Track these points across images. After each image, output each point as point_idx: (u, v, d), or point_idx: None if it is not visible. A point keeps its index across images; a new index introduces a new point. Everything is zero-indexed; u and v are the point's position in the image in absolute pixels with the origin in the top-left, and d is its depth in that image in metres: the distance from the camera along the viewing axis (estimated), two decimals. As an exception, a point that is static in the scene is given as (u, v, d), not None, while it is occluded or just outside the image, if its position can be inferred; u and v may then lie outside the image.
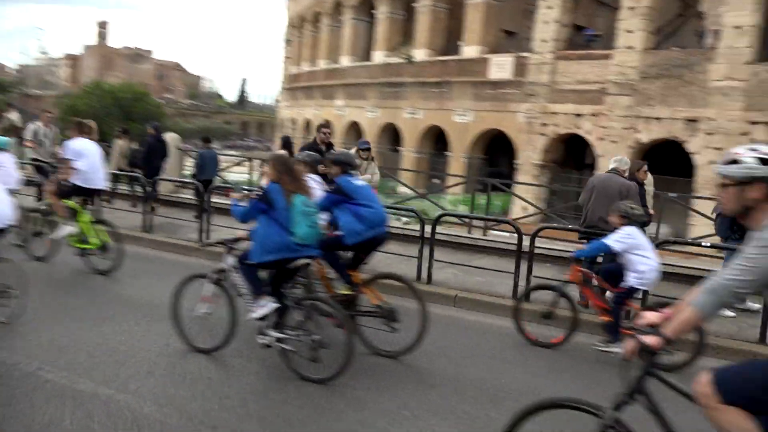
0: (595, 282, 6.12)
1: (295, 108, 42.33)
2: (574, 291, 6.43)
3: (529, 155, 24.76)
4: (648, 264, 5.62)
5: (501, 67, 25.55)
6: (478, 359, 5.72)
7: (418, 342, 5.29)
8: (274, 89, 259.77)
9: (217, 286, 5.12)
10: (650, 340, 2.58)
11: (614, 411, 2.71)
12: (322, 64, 37.62)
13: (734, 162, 2.54)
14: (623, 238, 5.66)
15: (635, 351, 2.61)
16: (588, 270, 6.27)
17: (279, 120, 47.69)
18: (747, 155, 2.51)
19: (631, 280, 5.68)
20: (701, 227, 14.30)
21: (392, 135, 31.97)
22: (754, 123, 19.59)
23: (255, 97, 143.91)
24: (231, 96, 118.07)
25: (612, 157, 7.38)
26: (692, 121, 20.69)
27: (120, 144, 13.40)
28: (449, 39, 29.53)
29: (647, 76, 21.49)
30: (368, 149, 9.04)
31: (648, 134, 21.70)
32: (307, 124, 39.47)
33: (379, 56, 32.07)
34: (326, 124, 9.35)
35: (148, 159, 12.24)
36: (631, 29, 21.81)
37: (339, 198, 5.53)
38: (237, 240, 5.27)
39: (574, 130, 23.53)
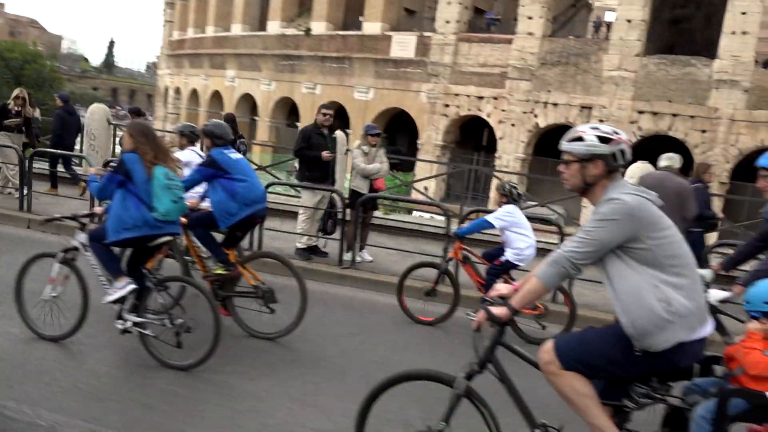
0: (475, 259, 6.19)
1: (179, 76, 39.75)
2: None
3: (431, 135, 24.93)
4: (526, 241, 5.72)
5: (403, 45, 25.38)
6: (359, 337, 5.57)
7: (297, 322, 5.06)
8: (147, 54, 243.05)
9: (66, 266, 4.57)
10: (497, 311, 2.66)
11: (466, 380, 2.76)
12: (211, 31, 35.51)
13: (578, 139, 2.62)
14: (503, 216, 5.71)
15: (485, 321, 2.69)
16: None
17: (161, 88, 44.62)
18: (589, 133, 2.60)
19: (509, 255, 5.75)
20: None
21: (289, 110, 30.93)
22: (641, 112, 20.96)
23: (123, 61, 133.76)
24: (96, 59, 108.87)
25: (663, 155, 7.02)
26: (587, 108, 21.75)
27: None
28: (349, 13, 28.89)
29: (546, 63, 22.26)
30: (378, 135, 8.03)
31: (545, 119, 22.56)
32: (195, 94, 37.24)
33: (274, 26, 30.73)
34: (329, 105, 8.00)
35: (60, 135, 10.47)
36: (532, 16, 22.42)
37: (212, 172, 5.05)
38: (91, 215, 4.77)
39: (476, 113, 23.96)
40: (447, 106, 24.48)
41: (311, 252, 7.81)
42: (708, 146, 20.15)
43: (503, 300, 2.73)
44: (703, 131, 20.18)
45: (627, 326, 2.50)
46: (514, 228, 5.71)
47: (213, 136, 5.24)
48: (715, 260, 5.34)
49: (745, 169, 20.00)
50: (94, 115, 10.65)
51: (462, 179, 23.20)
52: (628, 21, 20.88)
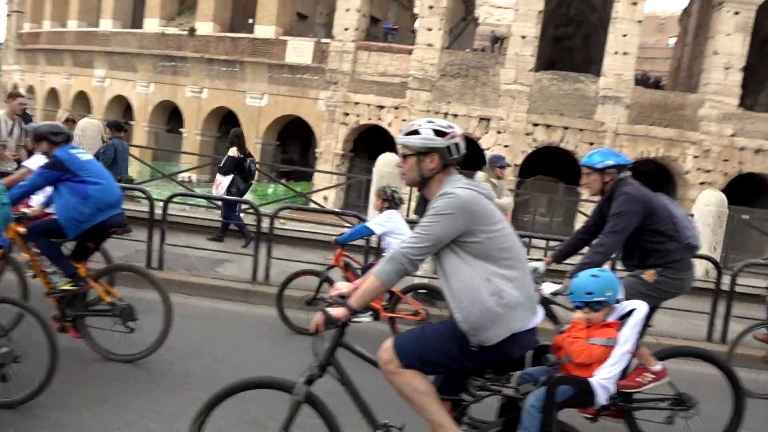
0: (356, 265, 6.21)
1: (32, 74, 35.72)
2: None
3: (330, 144, 24.48)
4: None
5: (300, 51, 24.69)
6: (236, 354, 5.11)
7: (161, 341, 4.62)
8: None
9: None
10: (335, 312, 2.62)
11: (305, 386, 2.71)
12: (74, 25, 32.25)
13: (414, 133, 2.65)
14: (384, 221, 5.62)
15: (322, 323, 2.62)
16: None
17: (5, 85, 39.76)
18: (425, 126, 2.64)
19: None
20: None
21: (169, 114, 28.91)
22: (535, 124, 22.08)
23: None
24: None
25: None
26: (485, 119, 22.50)
27: None
28: (236, 14, 27.65)
29: (446, 74, 22.72)
30: (505, 166, 7.39)
31: (446, 129, 23.00)
32: (54, 94, 33.64)
33: (152, 24, 28.57)
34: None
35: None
36: (431, 27, 22.79)
37: (57, 174, 4.47)
38: None
39: (376, 122, 23.89)
40: (347, 114, 24.16)
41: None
42: (595, 157, 21.66)
43: (343, 300, 2.69)
44: (591, 143, 21.63)
45: (461, 322, 2.53)
46: (395, 234, 5.52)
47: (48, 137, 4.58)
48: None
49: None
50: (86, 132, 9.08)
51: (361, 188, 23.03)
52: (523, 37, 21.91)
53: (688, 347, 4.63)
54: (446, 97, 22.78)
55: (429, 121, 2.67)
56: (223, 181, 8.83)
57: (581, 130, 21.71)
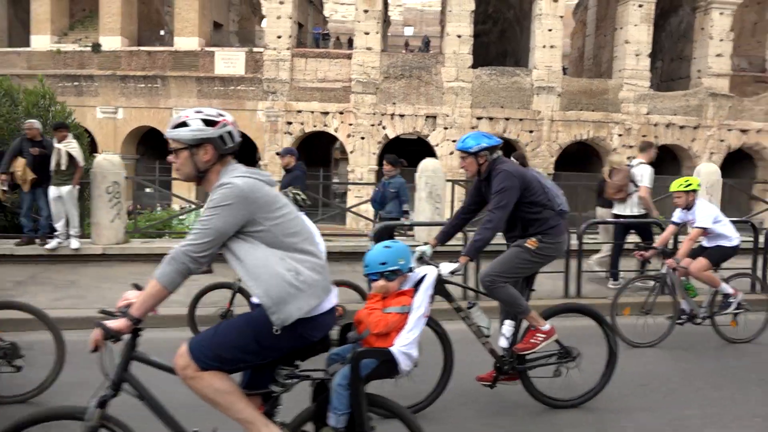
0: None
1: None
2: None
3: (274, 155, 23.87)
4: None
5: (230, 62, 23.77)
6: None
7: (53, 378, 4.37)
8: None
9: None
10: (115, 324, 2.40)
11: (99, 408, 2.47)
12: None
13: (182, 125, 2.51)
14: None
15: (101, 338, 2.38)
16: None
17: None
18: (193, 117, 2.52)
19: None
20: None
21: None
22: (479, 118, 23.33)
23: None
24: None
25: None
26: (431, 117, 23.32)
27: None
28: (144, 27, 25.81)
29: (389, 77, 23.17)
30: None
31: (394, 130, 23.49)
32: None
33: (42, 41, 25.68)
34: None
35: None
36: (368, 31, 23.08)
37: None
38: None
39: (322, 128, 23.72)
40: (290, 123, 23.72)
41: None
42: (536, 144, 23.44)
43: (125, 310, 2.46)
44: (531, 131, 23.39)
45: (262, 297, 2.45)
46: None
47: None
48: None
49: (564, 159, 23.83)
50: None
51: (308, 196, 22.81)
52: (459, 36, 22.98)
53: (570, 304, 5.12)
54: (391, 99, 23.25)
55: (197, 111, 2.53)
56: None
57: (521, 120, 23.32)
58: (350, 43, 30.65)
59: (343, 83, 23.26)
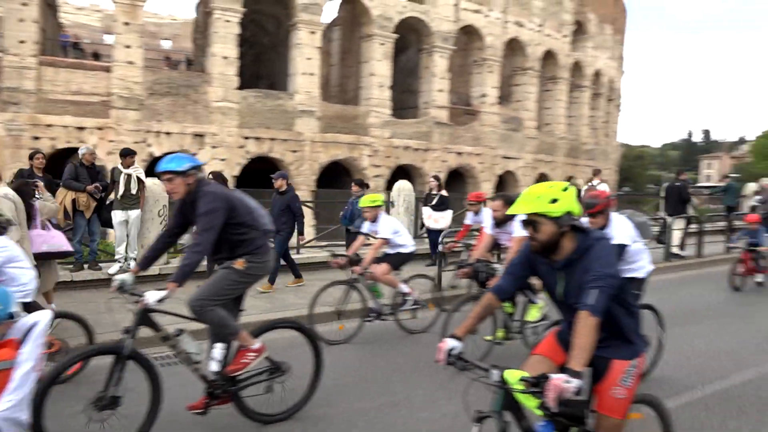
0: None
1: None
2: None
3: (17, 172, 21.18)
4: (29, 274, 4.73)
5: (-44, 65, 20.42)
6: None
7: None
8: None
9: None
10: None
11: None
12: None
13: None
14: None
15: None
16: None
17: None
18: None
19: (16, 294, 4.23)
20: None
21: None
22: (246, 138, 24.16)
23: None
24: None
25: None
26: (199, 135, 23.36)
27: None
28: None
29: (155, 93, 22.55)
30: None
31: (160, 148, 22.84)
32: None
33: None
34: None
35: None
36: (130, 45, 22.17)
37: None
38: None
39: (77, 144, 21.81)
40: (37, 138, 21.30)
41: None
42: (299, 163, 25.19)
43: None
44: (294, 151, 25.06)
45: None
46: (14, 263, 4.60)
47: None
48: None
49: (324, 178, 26.06)
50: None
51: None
52: (225, 57, 23.53)
53: (277, 320, 5.05)
54: (157, 116, 22.64)
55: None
56: None
57: (285, 140, 24.83)
58: (95, 56, 28.67)
59: (101, 97, 21.87)
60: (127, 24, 22.07)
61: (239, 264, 4.16)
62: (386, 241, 6.95)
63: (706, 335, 7.37)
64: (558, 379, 2.42)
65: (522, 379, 2.59)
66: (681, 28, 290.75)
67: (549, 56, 34.16)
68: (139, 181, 9.12)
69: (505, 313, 6.28)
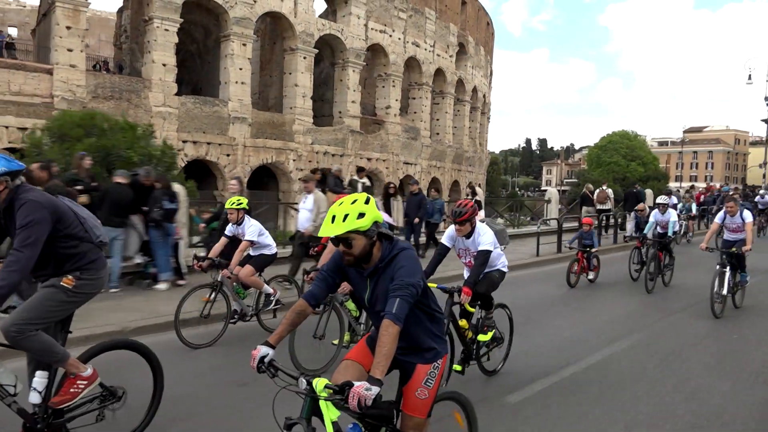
0: None
1: None
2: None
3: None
4: None
5: None
6: None
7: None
8: None
9: None
10: None
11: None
12: None
13: None
14: None
15: None
16: None
17: None
18: None
19: None
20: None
21: None
22: (185, 141, 25.42)
23: None
24: None
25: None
26: (140, 138, 24.23)
27: None
28: None
29: (98, 96, 23.16)
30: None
31: (102, 149, 23.45)
32: None
33: None
34: None
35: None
36: (72, 48, 22.64)
37: None
38: None
39: (21, 145, 21.87)
40: (-23, 138, 21.15)
41: None
42: (233, 166, 26.85)
43: None
44: (228, 155, 26.70)
45: None
46: None
47: None
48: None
49: (254, 179, 27.92)
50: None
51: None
52: (164, 65, 24.66)
53: (110, 341, 4.45)
54: (99, 119, 23.23)
55: None
56: None
57: (220, 144, 26.38)
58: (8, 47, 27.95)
59: (44, 99, 22.14)
60: (69, 28, 22.52)
61: (68, 282, 3.70)
62: (252, 243, 7.00)
63: (550, 327, 8.08)
64: (359, 386, 2.54)
65: (327, 387, 2.69)
66: (514, 46, 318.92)
67: (439, 73, 38.48)
68: None
69: (352, 316, 6.30)
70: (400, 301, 2.78)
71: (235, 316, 7.03)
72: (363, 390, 2.53)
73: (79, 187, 8.97)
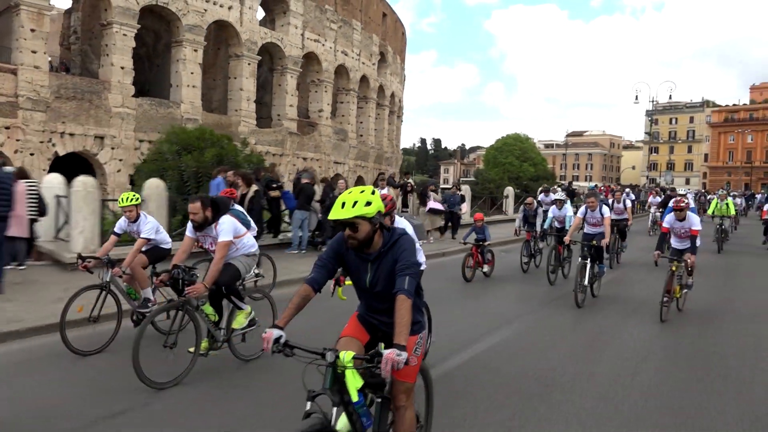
0: None
1: None
2: None
3: None
4: None
5: None
6: None
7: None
8: None
9: None
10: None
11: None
12: None
13: None
14: None
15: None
16: None
17: None
18: None
19: None
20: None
21: None
22: (141, 141, 26.85)
23: None
24: None
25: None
26: (100, 137, 25.51)
27: None
28: None
29: (61, 96, 24.21)
30: None
31: (64, 147, 24.53)
32: None
33: None
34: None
35: None
36: (36, 50, 23.56)
37: None
38: None
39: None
40: (-57, 135, 21.68)
41: None
42: (185, 164, 28.50)
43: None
44: (180, 154, 28.32)
45: None
46: None
47: None
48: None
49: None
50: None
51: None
52: (122, 68, 25.99)
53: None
54: (62, 118, 24.28)
55: None
56: None
57: (173, 144, 27.97)
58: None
59: (7, 98, 22.95)
60: (33, 30, 23.44)
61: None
62: (148, 241, 6.74)
63: (450, 317, 8.31)
64: (391, 352, 2.79)
65: (355, 358, 2.94)
66: (413, 48, 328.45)
67: (363, 80, 41.63)
68: None
69: (210, 321, 5.89)
70: (410, 279, 3.13)
71: (134, 315, 6.63)
72: (395, 356, 2.79)
73: (274, 185, 14.33)
